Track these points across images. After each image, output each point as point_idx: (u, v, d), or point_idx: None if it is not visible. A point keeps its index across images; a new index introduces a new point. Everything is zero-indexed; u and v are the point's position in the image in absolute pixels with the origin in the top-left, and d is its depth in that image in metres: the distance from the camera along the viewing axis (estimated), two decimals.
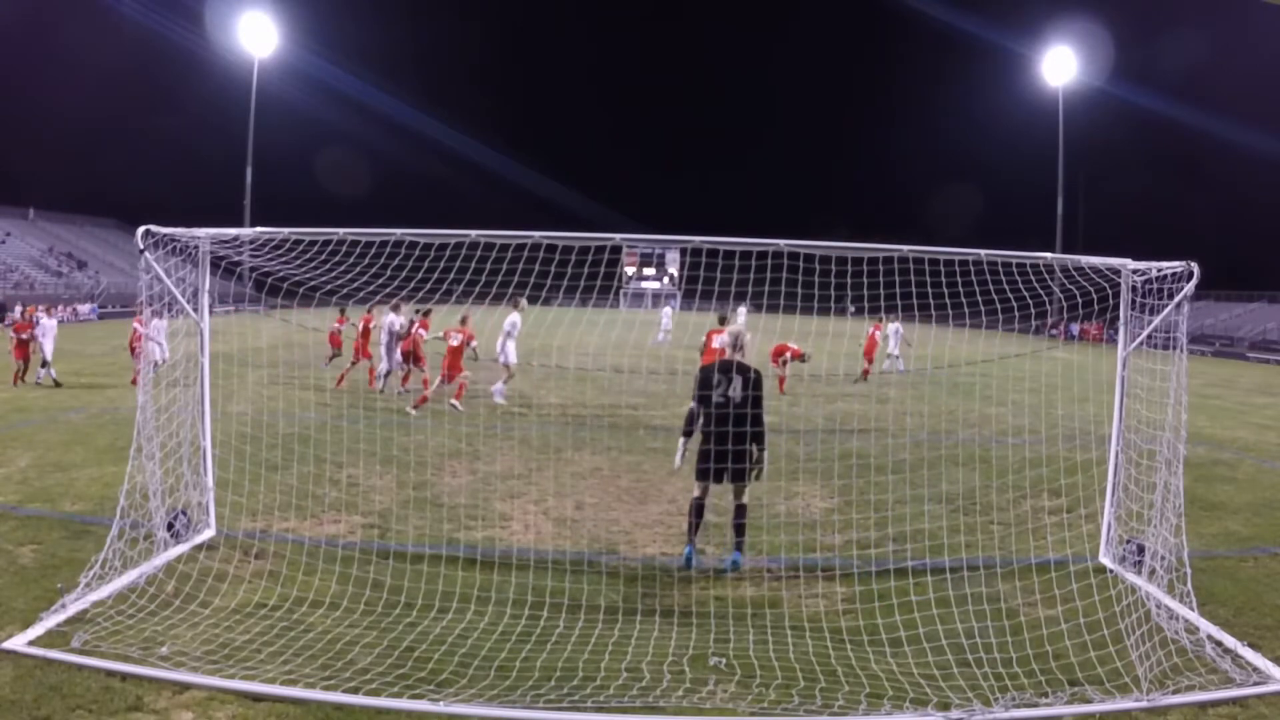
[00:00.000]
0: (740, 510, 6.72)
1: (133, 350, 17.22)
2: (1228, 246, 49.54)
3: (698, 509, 6.79)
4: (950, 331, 19.21)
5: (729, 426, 6.45)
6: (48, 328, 17.05)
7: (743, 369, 6.64)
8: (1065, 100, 61.96)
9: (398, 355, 16.05)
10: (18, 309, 27.78)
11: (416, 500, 8.63)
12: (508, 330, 15.48)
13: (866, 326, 21.31)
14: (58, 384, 16.32)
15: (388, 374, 16.43)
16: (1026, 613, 6.07)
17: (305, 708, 4.51)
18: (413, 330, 15.75)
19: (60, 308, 43.27)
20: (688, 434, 6.95)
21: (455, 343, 14.32)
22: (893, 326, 22.15)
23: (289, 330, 14.64)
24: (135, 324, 16.97)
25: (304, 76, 67.39)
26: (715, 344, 13.96)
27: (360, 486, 9.08)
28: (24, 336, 16.76)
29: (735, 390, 6.55)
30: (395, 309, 15.87)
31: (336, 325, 19.14)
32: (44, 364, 16.67)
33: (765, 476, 7.07)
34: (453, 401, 14.17)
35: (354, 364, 17.59)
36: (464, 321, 14.58)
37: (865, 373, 20.74)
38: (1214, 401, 20.34)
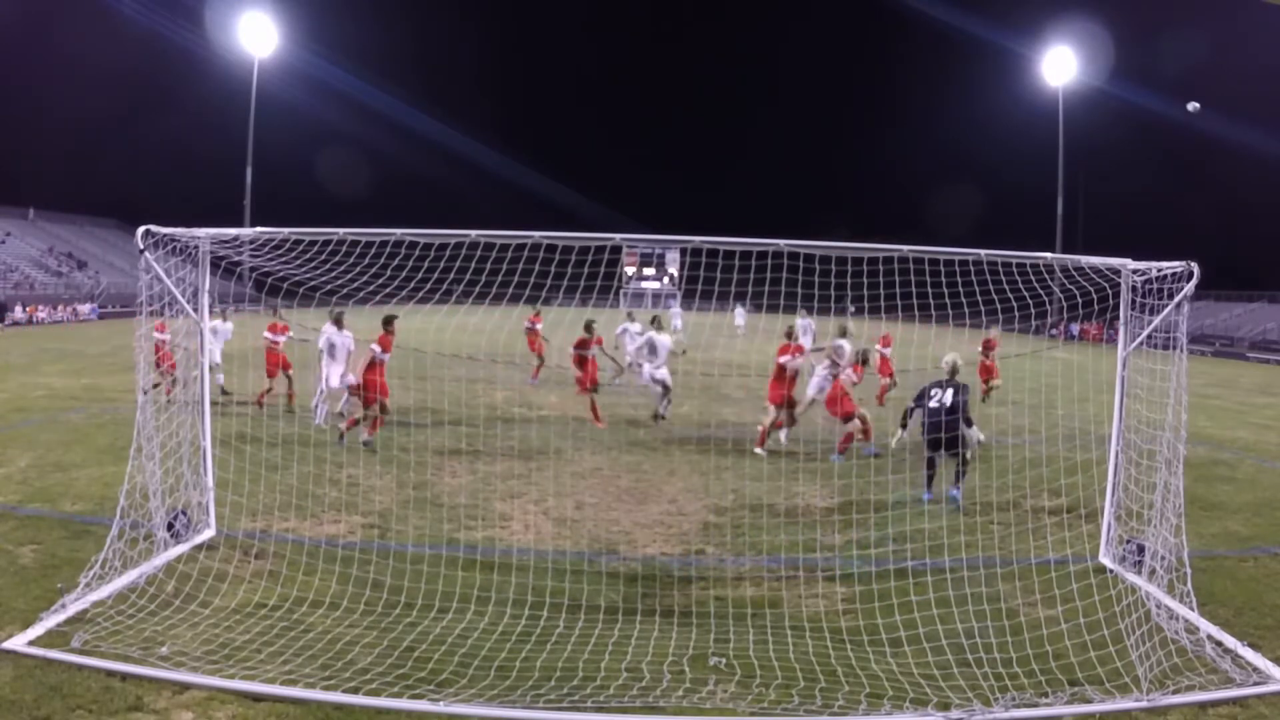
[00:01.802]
0: (959, 472, 8.98)
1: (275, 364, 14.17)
2: (1228, 246, 49.37)
3: (930, 464, 9.15)
4: (950, 331, 19.08)
5: (941, 430, 8.80)
6: (223, 330, 14.90)
7: (955, 385, 9.04)
8: (1065, 100, 61.80)
9: (333, 378, 12.11)
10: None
11: (416, 500, 8.63)
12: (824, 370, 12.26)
13: (985, 333, 15.88)
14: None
15: (323, 398, 12.56)
16: (1026, 613, 6.07)
17: (305, 708, 4.52)
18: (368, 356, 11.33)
19: (60, 307, 43.42)
20: (903, 426, 9.75)
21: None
22: (801, 322, 17.07)
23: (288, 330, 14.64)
24: (271, 335, 14.17)
25: (304, 76, 67.11)
26: (781, 361, 11.70)
27: (360, 486, 9.08)
28: (165, 336, 13.46)
29: (947, 398, 8.91)
30: (337, 321, 12.14)
31: (529, 323, 19.01)
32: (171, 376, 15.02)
33: (775, 475, 7.05)
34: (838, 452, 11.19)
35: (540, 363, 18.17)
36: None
37: (986, 392, 15.92)
38: (1214, 401, 20.32)
